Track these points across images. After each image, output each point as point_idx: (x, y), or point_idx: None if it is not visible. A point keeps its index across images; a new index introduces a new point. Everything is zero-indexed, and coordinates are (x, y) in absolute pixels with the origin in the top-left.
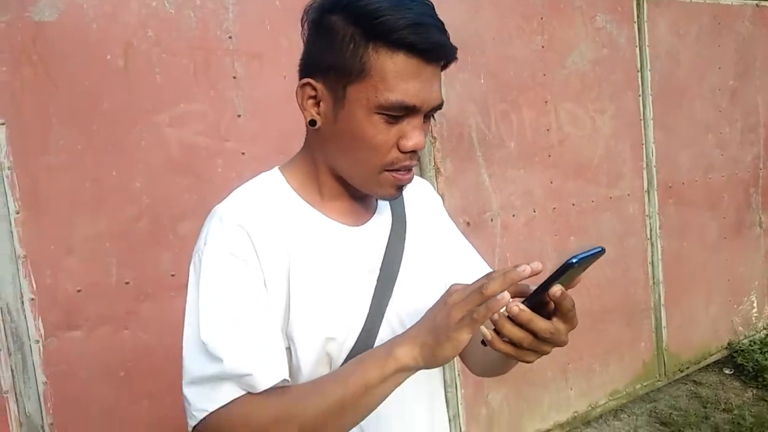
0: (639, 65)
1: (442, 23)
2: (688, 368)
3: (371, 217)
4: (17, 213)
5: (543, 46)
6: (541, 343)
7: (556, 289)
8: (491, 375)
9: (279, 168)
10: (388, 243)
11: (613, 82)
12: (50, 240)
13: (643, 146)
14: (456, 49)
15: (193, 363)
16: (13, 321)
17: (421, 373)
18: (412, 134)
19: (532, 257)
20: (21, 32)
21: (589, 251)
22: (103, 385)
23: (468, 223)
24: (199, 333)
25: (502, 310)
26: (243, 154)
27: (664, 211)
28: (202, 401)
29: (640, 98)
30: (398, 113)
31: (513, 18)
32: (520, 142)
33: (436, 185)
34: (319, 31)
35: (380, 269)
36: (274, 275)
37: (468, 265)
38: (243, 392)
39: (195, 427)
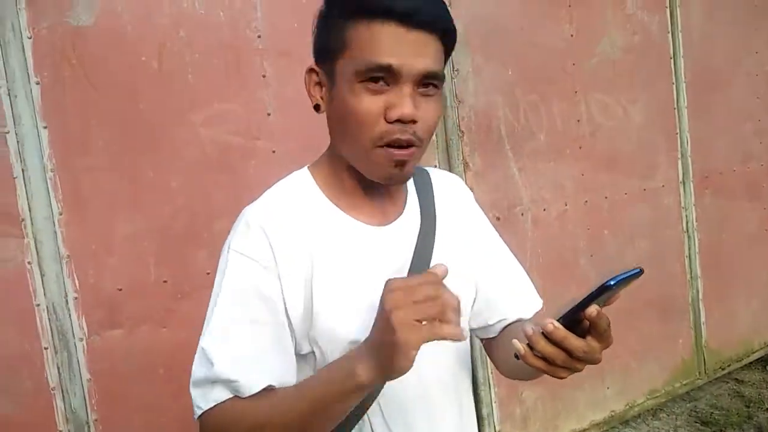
0: (672, 52)
1: None
2: (729, 366)
3: (399, 215)
4: (60, 214)
5: (572, 35)
6: (575, 361)
7: (593, 310)
8: (523, 380)
9: (308, 167)
10: (417, 242)
11: (645, 70)
12: (92, 240)
13: (678, 135)
14: (446, 18)
15: (196, 364)
16: (59, 319)
17: (450, 380)
18: (398, 103)
19: (564, 251)
20: (61, 37)
21: (627, 273)
22: (143, 382)
23: (498, 218)
24: (204, 336)
25: (536, 328)
26: (274, 152)
27: (701, 203)
28: (199, 400)
29: (674, 86)
30: (377, 75)
31: (540, 6)
32: (550, 134)
33: (464, 180)
34: (319, 21)
35: (409, 269)
36: (293, 281)
37: (499, 264)
38: (232, 395)
39: (198, 419)
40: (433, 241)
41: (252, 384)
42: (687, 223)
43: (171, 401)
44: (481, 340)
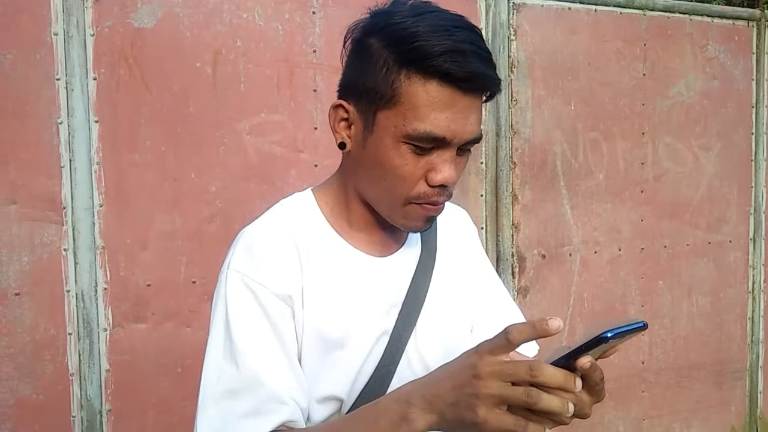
0: (754, 100)
1: (488, 52)
2: None
3: (400, 247)
4: (101, 206)
5: (644, 74)
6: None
7: (585, 361)
8: None
9: (312, 189)
10: (414, 274)
11: (723, 117)
12: (128, 234)
13: (753, 189)
14: (499, 80)
15: (208, 383)
16: (86, 308)
17: None
18: (442, 168)
19: (612, 298)
20: (121, 37)
21: (628, 325)
22: (160, 378)
23: (543, 256)
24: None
25: None
26: (315, 166)
27: None
28: (217, 419)
29: (753, 137)
30: (427, 144)
31: (613, 42)
32: (610, 175)
33: (511, 213)
34: (356, 53)
35: (403, 302)
36: (295, 305)
37: (496, 305)
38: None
39: None
40: (431, 274)
41: (281, 390)
42: (753, 283)
43: (185, 402)
44: None
